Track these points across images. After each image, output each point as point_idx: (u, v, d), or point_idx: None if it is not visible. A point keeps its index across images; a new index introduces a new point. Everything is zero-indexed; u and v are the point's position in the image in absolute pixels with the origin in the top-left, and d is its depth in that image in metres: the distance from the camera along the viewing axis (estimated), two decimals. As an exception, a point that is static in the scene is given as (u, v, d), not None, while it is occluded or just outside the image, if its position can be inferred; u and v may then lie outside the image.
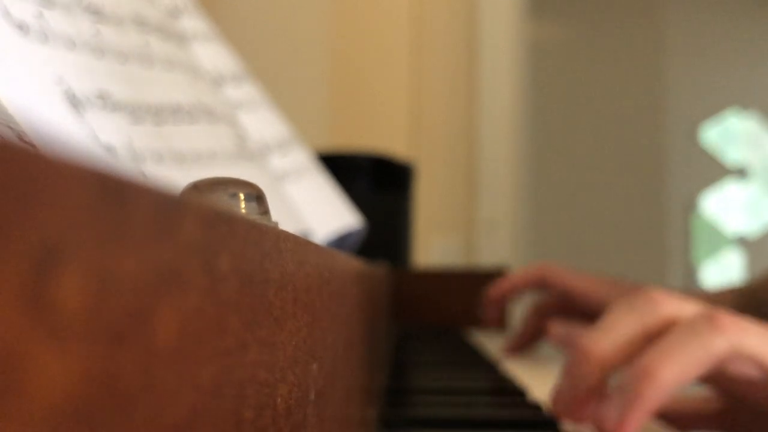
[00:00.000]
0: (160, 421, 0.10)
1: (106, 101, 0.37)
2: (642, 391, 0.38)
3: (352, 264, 0.34)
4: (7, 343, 0.07)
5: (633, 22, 3.04)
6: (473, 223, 1.85)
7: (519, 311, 0.85)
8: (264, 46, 1.76)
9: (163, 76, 0.45)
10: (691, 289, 3.01)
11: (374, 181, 1.16)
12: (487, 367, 0.67)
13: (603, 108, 3.01)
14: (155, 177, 0.34)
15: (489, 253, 1.81)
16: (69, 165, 0.08)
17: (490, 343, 0.92)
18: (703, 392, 0.55)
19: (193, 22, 0.56)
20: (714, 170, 3.13)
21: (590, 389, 0.42)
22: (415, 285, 1.09)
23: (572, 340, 0.76)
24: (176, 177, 0.41)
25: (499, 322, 0.83)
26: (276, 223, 0.23)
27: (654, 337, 0.41)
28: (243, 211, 0.24)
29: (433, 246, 1.82)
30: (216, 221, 0.12)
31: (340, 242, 0.64)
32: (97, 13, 0.41)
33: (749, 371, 0.41)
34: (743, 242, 3.16)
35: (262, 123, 0.59)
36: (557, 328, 0.76)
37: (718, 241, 3.14)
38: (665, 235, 3.04)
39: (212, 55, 0.57)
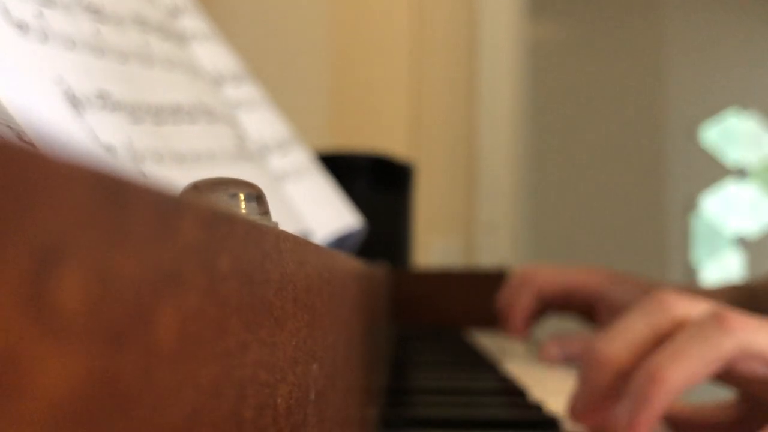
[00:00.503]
0: (160, 421, 0.10)
1: (106, 101, 0.37)
2: (650, 394, 0.38)
3: (352, 264, 0.34)
4: (7, 343, 0.07)
5: (633, 22, 3.04)
6: (473, 223, 1.85)
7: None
8: (264, 46, 1.76)
9: (163, 76, 0.45)
10: (689, 284, 3.01)
11: (374, 181, 1.16)
12: (487, 368, 0.67)
13: (603, 108, 3.01)
14: (155, 177, 0.34)
15: (489, 254, 1.81)
16: (69, 165, 0.08)
17: (490, 343, 0.92)
18: (720, 398, 0.54)
19: (193, 22, 0.56)
20: (714, 170, 3.13)
21: (606, 393, 0.42)
22: (415, 285, 1.09)
23: (570, 354, 0.76)
24: (176, 177, 0.41)
25: (526, 332, 0.83)
26: (276, 223, 0.23)
27: (665, 338, 0.41)
28: (243, 211, 0.24)
29: (433, 246, 1.82)
30: (216, 221, 0.12)
31: (340, 242, 0.64)
32: (97, 13, 0.41)
33: (759, 369, 0.41)
34: (743, 242, 3.15)
35: (262, 123, 0.59)
36: (552, 350, 0.76)
37: (718, 241, 3.14)
38: (665, 235, 3.04)
39: (212, 55, 0.57)
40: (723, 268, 3.10)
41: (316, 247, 0.22)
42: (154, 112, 0.42)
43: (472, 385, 0.57)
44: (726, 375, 0.41)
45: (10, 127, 0.31)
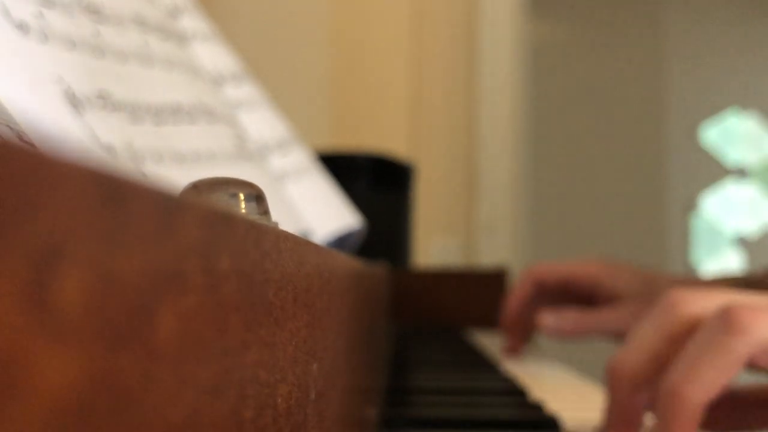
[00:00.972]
0: (160, 421, 0.10)
1: (106, 101, 0.37)
2: (673, 415, 0.37)
3: (352, 264, 0.34)
4: (7, 342, 0.07)
5: (633, 22, 3.04)
6: (473, 223, 1.85)
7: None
8: (264, 46, 1.76)
9: (163, 76, 0.45)
10: (688, 276, 3.00)
11: (374, 181, 1.16)
12: (487, 367, 0.67)
13: (603, 108, 3.01)
14: (155, 177, 0.34)
15: (488, 254, 1.81)
16: (69, 165, 0.08)
17: (490, 343, 0.92)
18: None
19: (193, 22, 0.56)
20: (714, 170, 3.13)
21: (631, 407, 0.41)
22: (415, 285, 1.09)
23: (564, 324, 0.76)
24: (176, 177, 0.41)
25: (522, 344, 0.83)
26: (276, 223, 0.23)
27: (681, 341, 0.40)
28: (243, 211, 0.24)
29: (433, 246, 1.82)
30: (216, 221, 0.12)
31: (340, 242, 0.64)
32: (97, 13, 0.41)
33: None
34: (743, 242, 3.16)
35: (262, 123, 0.59)
36: (547, 317, 0.76)
37: (718, 241, 3.14)
38: (665, 235, 3.04)
39: (212, 55, 0.57)
40: (723, 268, 3.10)
41: (316, 247, 0.22)
42: (154, 112, 0.42)
43: (472, 385, 0.57)
44: (752, 366, 0.40)
45: (10, 127, 0.31)
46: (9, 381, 0.07)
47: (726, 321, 0.38)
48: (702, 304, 0.41)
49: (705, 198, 3.13)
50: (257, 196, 0.24)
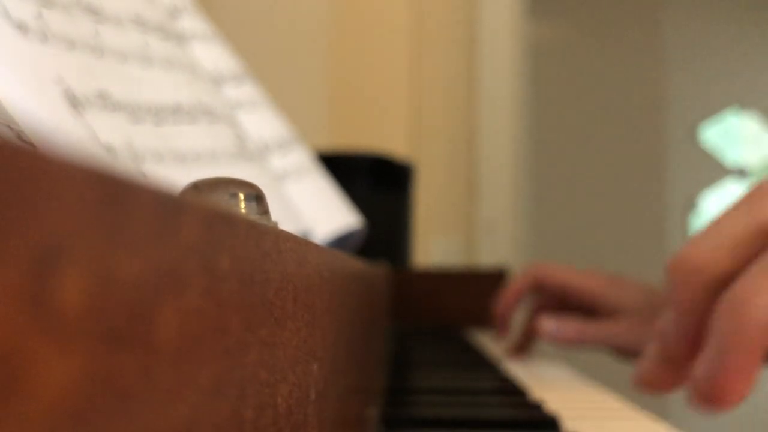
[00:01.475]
0: (160, 421, 0.10)
1: (106, 101, 0.37)
2: (735, 335, 0.28)
3: (352, 264, 0.34)
4: (7, 342, 0.07)
5: (633, 22, 3.04)
6: (473, 223, 1.85)
7: (518, 315, 0.84)
8: (264, 46, 1.76)
9: (163, 76, 0.45)
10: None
11: (374, 181, 1.16)
12: (488, 367, 0.67)
13: (603, 108, 3.01)
14: (155, 177, 0.34)
15: (489, 253, 1.81)
16: (69, 165, 0.08)
17: (491, 343, 0.92)
18: None
19: (192, 22, 0.56)
20: (714, 170, 3.13)
21: (700, 317, 0.31)
22: (415, 285, 1.09)
23: (564, 332, 0.76)
24: (176, 177, 0.41)
25: (523, 349, 0.83)
26: (276, 223, 0.23)
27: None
28: (243, 211, 0.24)
29: (433, 246, 1.82)
30: (216, 221, 0.12)
31: (340, 242, 0.64)
32: (97, 13, 0.41)
33: None
34: (743, 242, 3.15)
35: (262, 123, 0.59)
36: (548, 323, 0.76)
37: (718, 241, 3.14)
38: (665, 235, 3.04)
39: (212, 55, 0.57)
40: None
41: (316, 247, 0.22)
42: (154, 112, 0.42)
43: (472, 385, 0.57)
44: None
45: (10, 127, 0.31)
46: (9, 381, 0.07)
47: None
48: None
49: (705, 198, 3.13)
50: (257, 196, 0.24)
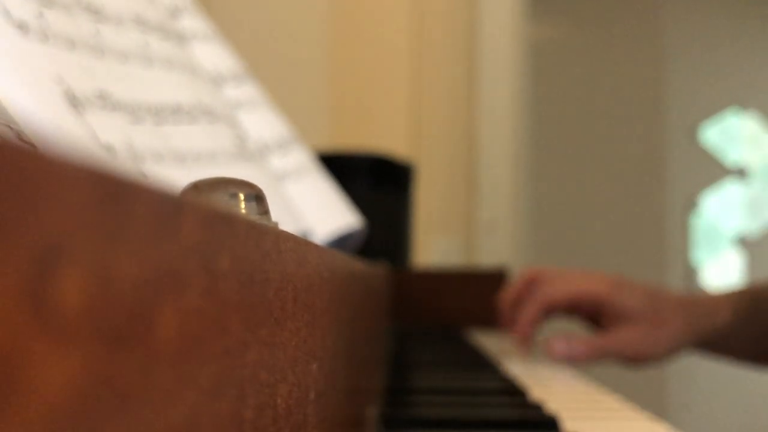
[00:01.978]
0: (160, 421, 0.10)
1: (106, 101, 0.37)
2: None
3: (352, 264, 0.34)
4: (7, 342, 0.07)
5: (633, 22, 3.04)
6: (473, 223, 1.85)
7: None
8: (264, 46, 1.76)
9: (163, 76, 0.45)
10: (692, 291, 3.01)
11: (374, 181, 1.16)
12: (488, 367, 0.67)
13: (603, 108, 3.01)
14: (155, 177, 0.34)
15: (489, 253, 1.81)
16: (69, 165, 0.08)
17: (490, 343, 0.92)
18: None
19: (193, 22, 0.56)
20: (714, 170, 3.13)
21: None
22: (415, 285, 1.09)
23: (576, 352, 0.76)
24: (176, 177, 0.41)
25: (529, 342, 0.82)
26: (276, 223, 0.23)
27: None
28: (243, 211, 0.24)
29: (433, 246, 1.82)
30: (216, 221, 0.12)
31: (340, 242, 0.64)
32: (97, 13, 0.41)
33: None
34: (743, 242, 3.16)
35: (262, 123, 0.59)
36: (559, 345, 0.76)
37: (718, 241, 3.14)
38: (665, 235, 3.04)
39: (212, 55, 0.57)
40: (723, 268, 3.10)
41: (316, 247, 0.22)
42: (154, 112, 0.42)
43: (472, 385, 0.57)
44: None
45: (10, 127, 0.31)
46: (9, 381, 0.07)
47: None
48: None
49: (705, 198, 3.13)
50: (257, 196, 0.24)
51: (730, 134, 3.14)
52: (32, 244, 0.07)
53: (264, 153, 0.58)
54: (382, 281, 0.67)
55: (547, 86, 2.87)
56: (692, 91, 3.08)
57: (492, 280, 1.07)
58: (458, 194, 1.86)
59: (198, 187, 0.23)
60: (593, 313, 0.79)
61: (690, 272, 3.07)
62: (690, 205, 3.11)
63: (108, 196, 0.08)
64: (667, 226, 3.05)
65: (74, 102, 0.35)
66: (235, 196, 0.24)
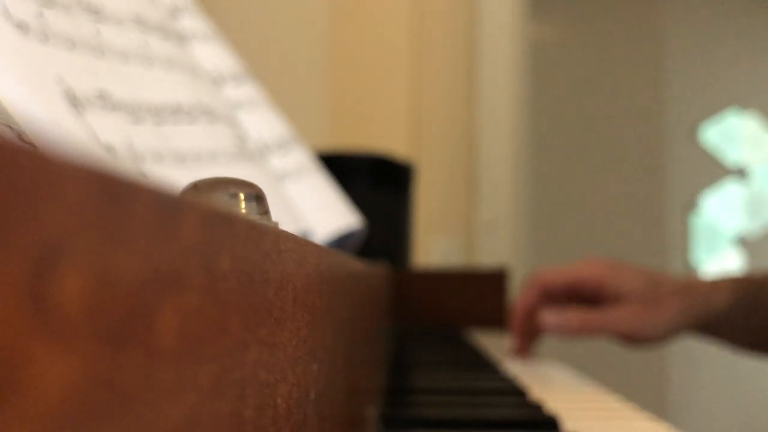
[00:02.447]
0: (160, 422, 0.10)
1: (106, 101, 0.37)
2: None
3: (352, 264, 0.34)
4: (7, 342, 0.07)
5: (633, 22, 3.04)
6: (473, 223, 1.85)
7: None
8: (264, 46, 1.76)
9: (163, 76, 0.45)
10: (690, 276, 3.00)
11: (374, 181, 1.16)
12: (488, 367, 0.67)
13: (603, 108, 3.01)
14: (155, 177, 0.34)
15: (489, 254, 1.81)
16: (69, 165, 0.08)
17: (491, 344, 0.92)
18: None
19: (193, 22, 0.56)
20: (714, 170, 3.13)
21: None
22: (415, 285, 1.09)
23: (568, 323, 0.76)
24: (176, 177, 0.41)
25: (529, 348, 0.83)
26: (276, 223, 0.23)
27: None
28: (243, 211, 0.24)
29: (433, 246, 1.82)
30: (216, 221, 0.12)
31: (340, 242, 0.64)
32: (97, 13, 0.41)
33: None
34: (743, 242, 3.16)
35: (262, 123, 0.59)
36: (550, 316, 0.77)
37: (718, 241, 3.14)
38: (665, 235, 3.04)
39: (212, 55, 0.57)
40: (723, 268, 3.11)
41: (316, 247, 0.22)
42: (154, 112, 0.42)
43: (472, 385, 0.57)
44: None
45: (11, 127, 0.31)
46: (9, 381, 0.07)
47: None
48: None
49: (705, 198, 3.13)
50: (257, 196, 0.24)
51: (730, 134, 3.14)
52: (32, 244, 0.07)
53: (264, 153, 0.58)
54: (382, 281, 0.67)
55: (547, 86, 2.87)
56: (692, 91, 3.08)
57: (492, 280, 1.07)
58: (458, 194, 1.86)
59: (198, 187, 0.23)
60: (593, 297, 0.79)
61: (690, 272, 3.07)
62: (690, 205, 3.11)
63: (108, 196, 0.08)
64: (667, 226, 3.05)
65: (74, 102, 0.35)
66: (235, 196, 0.24)
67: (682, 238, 3.09)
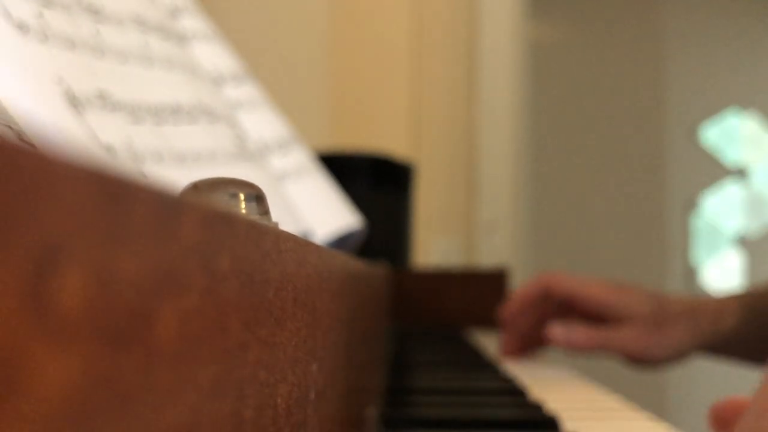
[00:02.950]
0: (160, 422, 0.10)
1: (106, 101, 0.37)
2: None
3: (352, 264, 0.34)
4: (7, 342, 0.07)
5: (633, 22, 3.04)
6: (473, 223, 1.85)
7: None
8: (264, 46, 1.76)
9: (163, 76, 0.45)
10: (695, 295, 3.00)
11: (374, 181, 1.16)
12: (488, 367, 0.67)
13: (603, 108, 3.01)
14: (155, 177, 0.34)
15: (489, 254, 1.81)
16: (69, 165, 0.08)
17: (491, 344, 0.92)
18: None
19: (193, 22, 0.56)
20: (714, 170, 3.13)
21: None
22: (415, 285, 1.09)
23: (575, 338, 0.76)
24: (176, 177, 0.41)
25: (524, 351, 0.82)
26: (276, 223, 0.23)
27: None
28: (243, 211, 0.24)
29: (433, 246, 1.82)
30: (216, 221, 0.12)
31: (340, 242, 0.64)
32: (97, 13, 0.41)
33: None
34: (743, 242, 3.16)
35: (262, 123, 0.59)
36: (558, 329, 0.76)
37: (718, 241, 3.14)
38: (665, 235, 3.04)
39: (212, 55, 0.57)
40: (723, 268, 3.10)
41: (316, 247, 0.22)
42: (154, 112, 0.42)
43: (472, 385, 0.57)
44: None
45: (10, 128, 0.31)
46: (9, 381, 0.07)
47: None
48: None
49: (705, 198, 3.13)
50: (257, 196, 0.24)
51: (730, 134, 3.14)
52: (32, 244, 0.07)
53: (264, 153, 0.58)
54: (382, 281, 0.67)
55: (547, 86, 2.87)
56: (692, 91, 3.08)
57: (492, 280, 1.07)
58: (458, 194, 1.86)
59: (198, 187, 0.23)
60: (595, 315, 0.79)
61: (690, 272, 3.07)
62: (690, 205, 3.11)
63: (108, 196, 0.08)
64: (667, 226, 3.05)
65: (74, 102, 0.35)
66: (235, 196, 0.24)
67: (682, 238, 3.09)
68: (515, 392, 0.53)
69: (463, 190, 1.86)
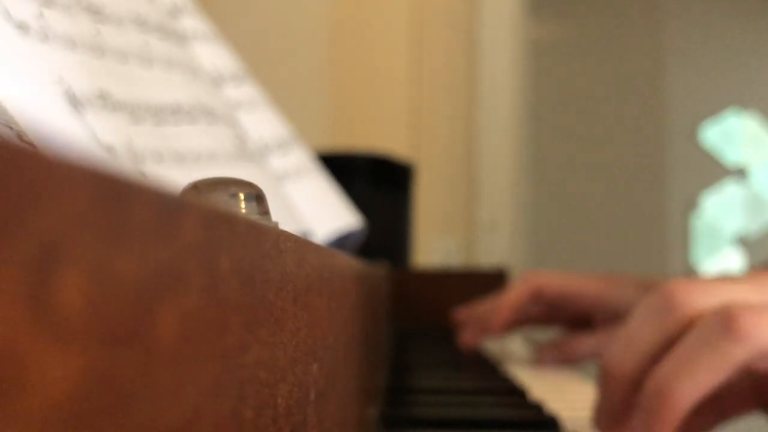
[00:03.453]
0: (160, 421, 0.10)
1: (106, 101, 0.37)
2: (659, 411, 0.36)
3: (352, 264, 0.34)
4: (8, 343, 0.07)
5: (633, 22, 3.04)
6: (473, 223, 1.85)
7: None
8: (264, 46, 1.76)
9: (163, 76, 0.45)
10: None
11: (374, 181, 1.16)
12: (488, 367, 0.67)
13: (603, 108, 3.01)
14: (155, 177, 0.34)
15: (489, 254, 1.81)
16: (69, 165, 0.08)
17: (490, 344, 0.92)
18: None
19: (193, 22, 0.56)
20: (714, 170, 3.13)
21: (623, 406, 0.40)
22: (415, 285, 1.09)
23: (568, 353, 0.76)
24: (176, 177, 0.41)
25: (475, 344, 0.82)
26: (276, 223, 0.23)
27: (676, 339, 0.38)
28: (243, 211, 0.24)
29: (433, 246, 1.82)
30: (216, 221, 0.12)
31: (340, 242, 0.64)
32: (97, 13, 0.41)
33: None
34: (743, 242, 3.16)
35: (262, 123, 0.59)
36: (549, 356, 0.76)
37: (718, 241, 3.14)
38: (665, 235, 3.04)
39: (212, 55, 0.57)
40: (723, 268, 3.10)
41: (316, 247, 0.22)
42: (154, 112, 0.42)
43: (472, 385, 0.57)
44: (742, 379, 0.38)
45: (11, 127, 0.31)
46: (9, 380, 0.07)
47: (726, 324, 0.36)
48: (702, 299, 0.38)
49: (705, 198, 3.13)
50: (257, 196, 0.24)
51: (730, 134, 3.14)
52: (32, 244, 0.07)
53: (264, 153, 0.58)
54: (382, 281, 0.67)
55: (547, 86, 2.87)
56: (692, 91, 3.08)
57: (492, 280, 1.07)
58: (458, 194, 1.86)
59: (198, 187, 0.23)
60: (584, 315, 0.78)
61: (690, 272, 3.07)
62: (690, 205, 3.11)
63: (108, 196, 0.08)
64: (667, 226, 3.05)
65: (74, 102, 0.35)
66: (235, 196, 0.24)
67: (682, 238, 3.09)
68: (515, 392, 0.53)
69: (463, 190, 1.86)
